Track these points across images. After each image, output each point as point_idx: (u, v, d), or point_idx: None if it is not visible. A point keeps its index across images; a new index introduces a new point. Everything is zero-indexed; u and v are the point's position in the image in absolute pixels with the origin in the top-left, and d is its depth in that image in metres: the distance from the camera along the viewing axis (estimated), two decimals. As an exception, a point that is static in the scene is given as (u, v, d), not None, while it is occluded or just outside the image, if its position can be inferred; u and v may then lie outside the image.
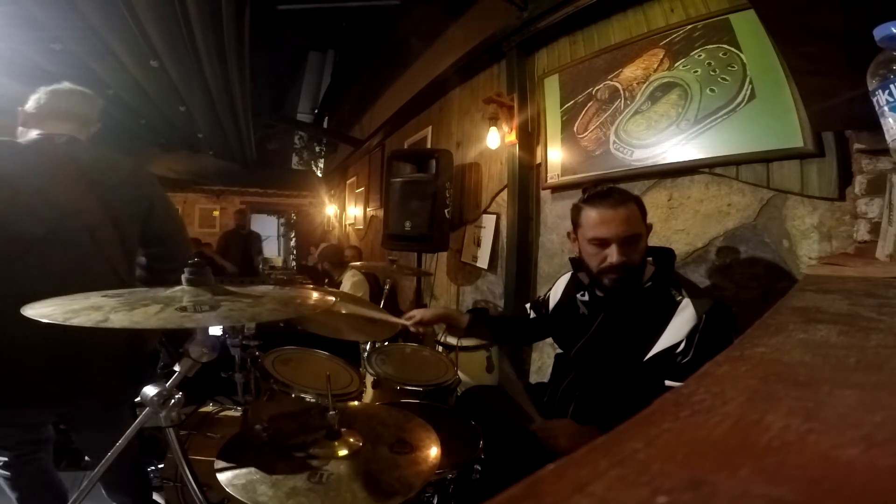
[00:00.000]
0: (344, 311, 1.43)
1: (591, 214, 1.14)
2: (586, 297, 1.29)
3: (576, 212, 1.20)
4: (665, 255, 1.21)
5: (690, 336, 1.06)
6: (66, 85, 1.33)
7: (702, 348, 1.04)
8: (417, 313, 1.45)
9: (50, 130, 1.25)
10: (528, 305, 1.53)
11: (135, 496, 1.41)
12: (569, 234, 1.26)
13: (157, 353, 1.49)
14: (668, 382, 1.05)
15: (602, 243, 1.13)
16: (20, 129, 1.28)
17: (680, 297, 1.12)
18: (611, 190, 1.17)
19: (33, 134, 1.24)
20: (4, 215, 1.10)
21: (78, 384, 1.16)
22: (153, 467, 1.76)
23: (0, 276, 1.08)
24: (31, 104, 1.28)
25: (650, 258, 1.20)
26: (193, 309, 0.74)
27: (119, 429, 1.01)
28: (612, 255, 1.11)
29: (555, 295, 1.43)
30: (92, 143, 1.36)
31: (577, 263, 1.27)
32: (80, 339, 1.11)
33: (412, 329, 1.45)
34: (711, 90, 1.54)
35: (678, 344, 1.07)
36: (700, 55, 1.59)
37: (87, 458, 1.37)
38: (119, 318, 0.67)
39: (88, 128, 1.36)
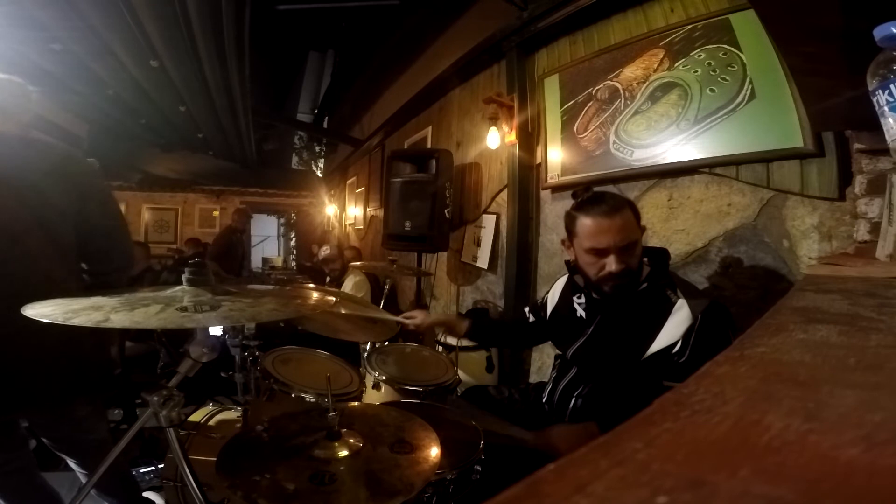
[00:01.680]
0: (343, 312, 1.43)
1: (586, 223, 1.11)
2: (583, 300, 1.29)
3: (569, 220, 1.17)
4: (660, 256, 1.21)
5: (686, 336, 1.06)
6: None
7: (698, 348, 1.04)
8: (418, 316, 1.45)
9: None
10: (527, 309, 1.53)
11: (121, 498, 1.39)
12: (563, 241, 1.24)
13: (116, 356, 1.41)
14: (666, 383, 1.05)
15: (600, 253, 1.11)
16: None
17: (675, 298, 1.11)
18: (603, 196, 1.14)
19: None
20: None
21: (9, 400, 1.09)
22: (153, 467, 1.76)
23: None
24: None
25: (645, 259, 1.20)
26: (194, 309, 0.74)
27: (82, 428, 0.94)
28: (611, 263, 1.09)
29: (552, 298, 1.43)
30: (25, 132, 1.22)
31: (573, 267, 1.27)
32: (3, 352, 1.04)
33: (410, 328, 1.45)
34: (711, 90, 1.54)
35: (674, 344, 1.07)
36: (700, 55, 1.59)
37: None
38: (119, 318, 0.67)
39: (17, 118, 1.21)
